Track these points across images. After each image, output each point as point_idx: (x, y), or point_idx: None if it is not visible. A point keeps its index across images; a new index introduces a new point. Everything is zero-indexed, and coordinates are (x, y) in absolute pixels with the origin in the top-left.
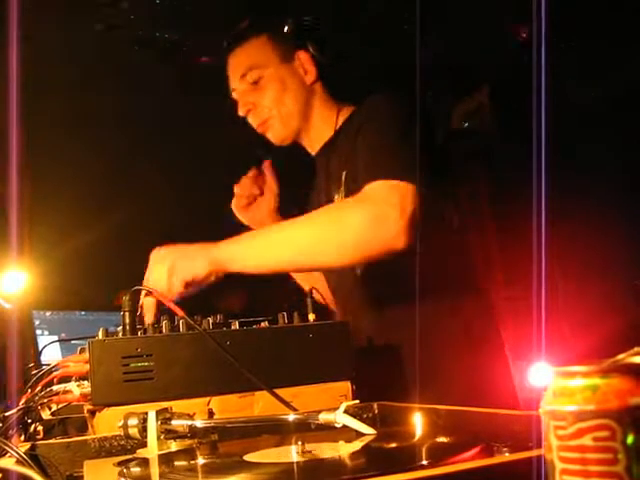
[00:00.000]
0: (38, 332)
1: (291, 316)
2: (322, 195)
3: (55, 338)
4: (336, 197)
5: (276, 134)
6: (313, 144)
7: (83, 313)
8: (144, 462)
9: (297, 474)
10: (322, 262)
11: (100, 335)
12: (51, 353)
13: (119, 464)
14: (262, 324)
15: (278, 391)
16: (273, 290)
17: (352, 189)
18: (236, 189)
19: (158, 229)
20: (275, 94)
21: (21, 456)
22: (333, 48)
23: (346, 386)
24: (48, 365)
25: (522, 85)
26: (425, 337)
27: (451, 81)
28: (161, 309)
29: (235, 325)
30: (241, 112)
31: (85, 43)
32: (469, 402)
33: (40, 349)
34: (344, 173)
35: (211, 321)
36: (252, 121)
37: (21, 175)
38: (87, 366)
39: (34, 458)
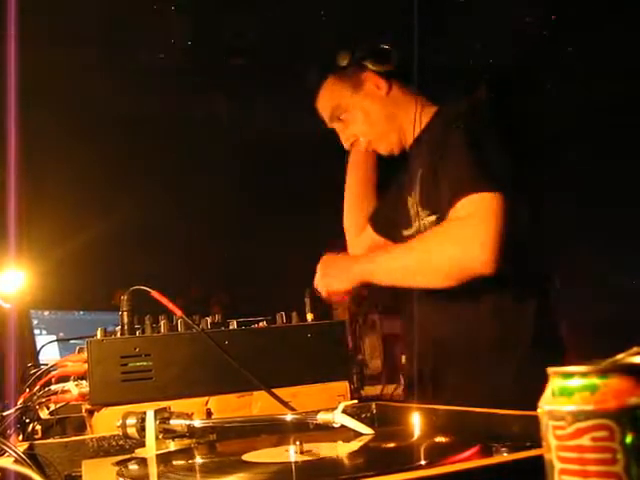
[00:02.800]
0: (36, 332)
1: (289, 316)
2: (403, 190)
3: (53, 338)
4: (409, 198)
5: (382, 151)
6: (407, 141)
7: (81, 313)
8: (142, 462)
9: (295, 474)
10: (427, 284)
11: (98, 335)
12: (49, 353)
13: (117, 463)
14: (260, 324)
15: (276, 391)
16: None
17: (426, 190)
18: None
19: (157, 229)
20: (362, 121)
21: (19, 455)
22: (390, 53)
23: (344, 386)
24: (46, 365)
25: (521, 85)
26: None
27: (450, 81)
28: (160, 309)
29: (233, 325)
30: (346, 146)
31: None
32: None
33: (38, 349)
34: (420, 172)
35: (209, 321)
36: (359, 149)
37: (19, 175)
38: (85, 366)
39: (32, 457)
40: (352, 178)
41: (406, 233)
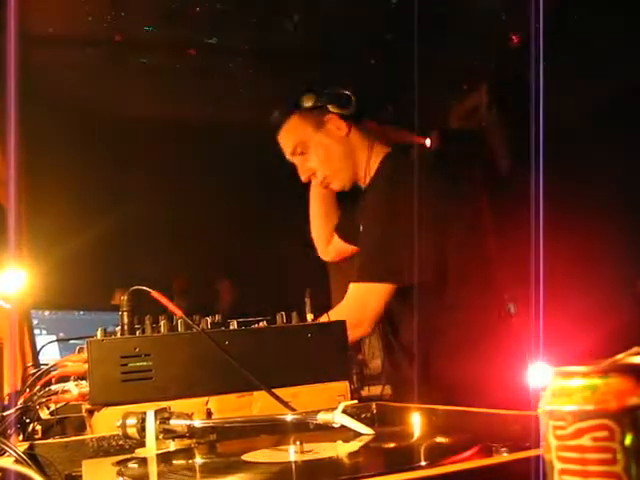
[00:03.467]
0: (36, 332)
1: (289, 316)
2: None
3: (53, 338)
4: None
5: (336, 187)
6: (360, 179)
7: (82, 313)
8: (142, 462)
9: (295, 474)
10: None
11: (98, 335)
12: (49, 353)
13: (117, 463)
14: (260, 324)
15: (276, 391)
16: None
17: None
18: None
19: (157, 230)
20: (320, 159)
21: (20, 455)
22: (350, 98)
23: (344, 386)
24: (46, 365)
25: (521, 85)
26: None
27: (449, 81)
28: (160, 309)
29: (233, 325)
30: (303, 179)
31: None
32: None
33: (38, 349)
34: (361, 226)
35: (209, 321)
36: (314, 183)
37: (20, 174)
38: (85, 366)
39: (33, 457)
40: (315, 198)
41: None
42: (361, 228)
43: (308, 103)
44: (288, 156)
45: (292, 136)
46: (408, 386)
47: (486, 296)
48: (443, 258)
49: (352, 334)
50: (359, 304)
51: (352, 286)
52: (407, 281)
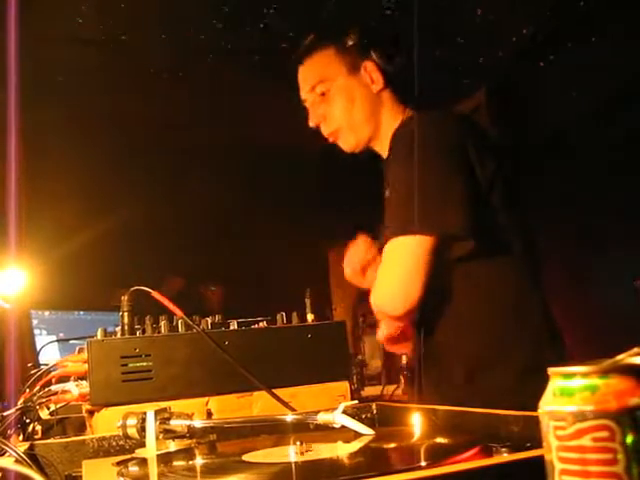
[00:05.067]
0: (36, 332)
1: (290, 316)
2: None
3: (53, 338)
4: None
5: (346, 143)
6: (384, 150)
7: (82, 313)
8: (143, 462)
9: (295, 474)
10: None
11: (99, 335)
12: (49, 353)
13: (118, 464)
14: (261, 324)
15: (277, 391)
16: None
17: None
18: (348, 260)
19: (158, 230)
20: (343, 105)
21: (20, 455)
22: (400, 54)
23: (344, 386)
24: (47, 365)
25: (520, 86)
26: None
27: (449, 81)
28: (159, 309)
29: (234, 325)
30: (312, 123)
31: (83, 45)
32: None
33: (38, 349)
34: (387, 192)
35: (210, 321)
36: (323, 131)
37: (19, 174)
38: (86, 366)
39: (33, 458)
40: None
41: None
42: (387, 193)
43: (350, 40)
44: (304, 93)
45: (319, 70)
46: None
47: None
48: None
49: (405, 304)
50: (409, 261)
51: (390, 242)
52: (459, 234)
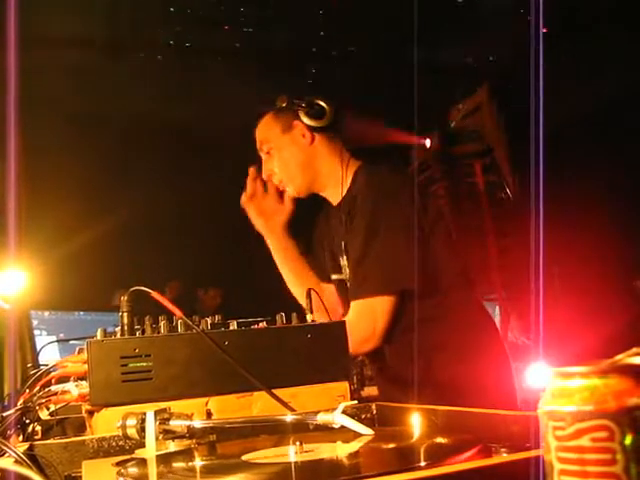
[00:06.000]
0: (36, 332)
1: (289, 316)
2: (334, 245)
3: (53, 338)
4: (340, 259)
5: (291, 192)
6: (332, 197)
7: (81, 313)
8: (142, 462)
9: (295, 474)
10: None
11: (98, 335)
12: (49, 353)
13: (117, 464)
14: (260, 324)
15: (276, 391)
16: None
17: (350, 259)
18: (248, 180)
19: (158, 230)
20: (280, 162)
21: (19, 456)
22: (328, 109)
23: (344, 386)
24: (46, 365)
25: (521, 85)
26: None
27: (450, 81)
28: (159, 310)
29: (233, 325)
30: (264, 177)
31: (83, 46)
32: (468, 403)
33: (38, 349)
34: (343, 243)
35: (209, 321)
36: (274, 182)
37: (19, 175)
38: (85, 366)
39: (32, 458)
40: (280, 260)
41: (335, 277)
42: (343, 245)
43: (281, 104)
44: (258, 151)
45: (261, 133)
46: (399, 389)
47: (473, 297)
48: (434, 263)
49: (363, 348)
50: (368, 319)
51: (356, 303)
52: (409, 288)
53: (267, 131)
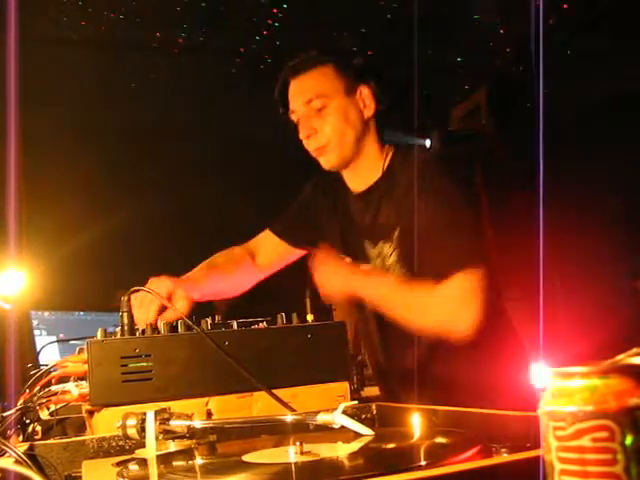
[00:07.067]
0: (36, 332)
1: (289, 317)
2: (363, 237)
3: (54, 338)
4: (384, 245)
5: (330, 160)
6: (358, 180)
7: (82, 313)
8: (142, 462)
9: (295, 474)
10: (406, 325)
11: (99, 335)
12: (49, 353)
13: (118, 464)
14: (260, 324)
15: (276, 391)
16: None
17: (406, 246)
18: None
19: (157, 230)
20: (337, 124)
21: (20, 456)
22: (391, 90)
23: (344, 386)
24: (46, 365)
25: (520, 86)
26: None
27: (450, 82)
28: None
29: (234, 326)
30: (302, 135)
31: (86, 49)
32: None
33: (38, 349)
34: (397, 229)
35: (210, 322)
36: (309, 144)
37: (20, 175)
38: (85, 366)
39: (32, 458)
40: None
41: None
42: (397, 231)
43: (357, 61)
44: (297, 104)
45: (318, 85)
46: (402, 389)
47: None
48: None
49: (476, 323)
50: (475, 293)
51: (457, 277)
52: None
53: (328, 86)
